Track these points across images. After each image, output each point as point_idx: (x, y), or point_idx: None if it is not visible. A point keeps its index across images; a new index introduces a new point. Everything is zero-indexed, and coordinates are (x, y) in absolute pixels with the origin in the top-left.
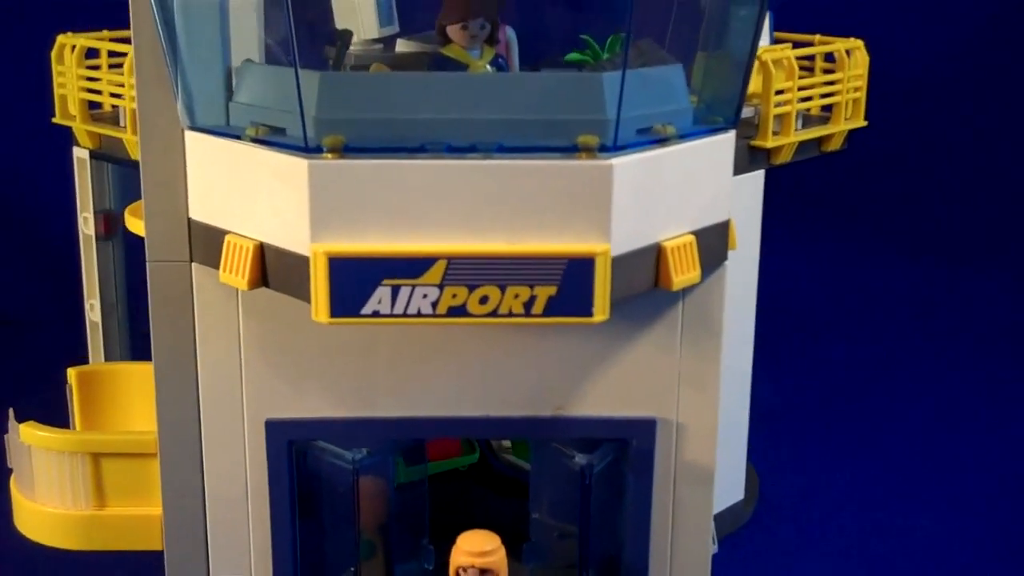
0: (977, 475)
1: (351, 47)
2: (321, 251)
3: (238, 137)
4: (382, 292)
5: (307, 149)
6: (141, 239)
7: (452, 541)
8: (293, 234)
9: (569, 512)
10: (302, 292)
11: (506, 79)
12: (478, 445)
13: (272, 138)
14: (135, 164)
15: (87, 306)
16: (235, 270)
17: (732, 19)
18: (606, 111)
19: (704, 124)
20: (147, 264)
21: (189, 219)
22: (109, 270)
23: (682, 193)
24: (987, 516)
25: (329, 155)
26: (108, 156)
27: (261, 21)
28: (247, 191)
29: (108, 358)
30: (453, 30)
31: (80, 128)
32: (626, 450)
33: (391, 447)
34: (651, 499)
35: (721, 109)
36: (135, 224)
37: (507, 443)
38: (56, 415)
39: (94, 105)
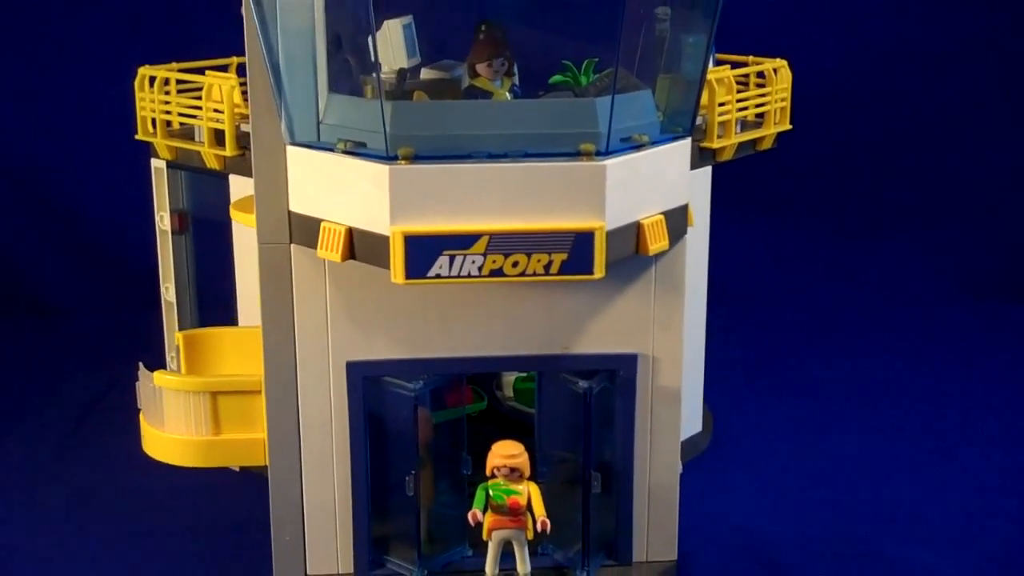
0: (893, 409)
1: (383, 75)
2: (399, 231)
3: (330, 150)
4: (442, 260)
5: (387, 158)
6: (207, 234)
7: (477, 463)
8: (376, 219)
9: (569, 436)
10: (382, 262)
11: (530, 104)
12: (485, 395)
13: (356, 150)
14: (207, 171)
15: (163, 288)
16: (330, 247)
17: (685, 49)
18: (599, 126)
19: (668, 133)
20: (258, 246)
21: (289, 211)
22: (182, 259)
23: (654, 184)
24: (904, 438)
25: (403, 162)
26: (182, 165)
27: (324, 62)
28: (338, 189)
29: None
30: (481, 67)
31: (160, 143)
32: (615, 379)
33: (433, 384)
34: (634, 416)
35: (680, 121)
36: (240, 217)
37: (510, 392)
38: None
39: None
